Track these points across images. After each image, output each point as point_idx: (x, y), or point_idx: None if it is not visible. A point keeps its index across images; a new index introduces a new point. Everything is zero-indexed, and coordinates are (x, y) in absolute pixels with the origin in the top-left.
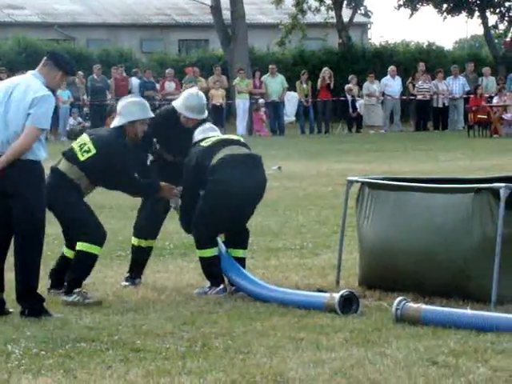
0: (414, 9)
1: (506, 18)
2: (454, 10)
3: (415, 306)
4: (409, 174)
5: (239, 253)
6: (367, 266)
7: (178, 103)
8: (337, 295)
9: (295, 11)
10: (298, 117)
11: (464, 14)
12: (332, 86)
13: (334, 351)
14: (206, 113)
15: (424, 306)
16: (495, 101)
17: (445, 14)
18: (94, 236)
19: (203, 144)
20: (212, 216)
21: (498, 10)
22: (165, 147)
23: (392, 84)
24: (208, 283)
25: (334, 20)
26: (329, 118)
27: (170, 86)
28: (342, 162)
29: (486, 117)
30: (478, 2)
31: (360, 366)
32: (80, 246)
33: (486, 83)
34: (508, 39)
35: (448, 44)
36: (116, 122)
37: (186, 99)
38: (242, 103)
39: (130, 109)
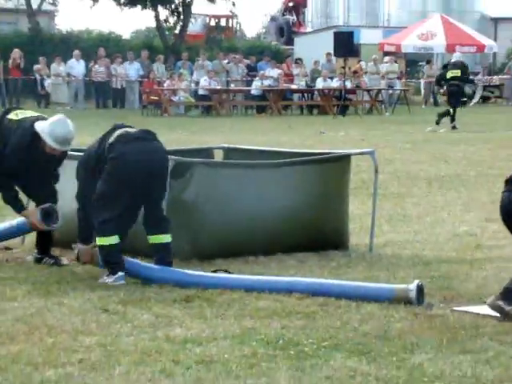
0: (95, 0)
1: (176, 13)
2: (130, 3)
3: None
4: None
5: (165, 238)
6: None
7: (43, 130)
8: None
9: None
10: None
11: (139, 7)
12: (22, 65)
13: (17, 301)
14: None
15: None
16: (166, 84)
17: (122, 6)
18: None
19: (97, 138)
20: (112, 196)
21: (168, 6)
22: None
23: (76, 66)
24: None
25: (25, 6)
26: (19, 94)
27: None
28: None
29: (157, 98)
30: None
31: (40, 314)
32: None
33: (158, 69)
34: (177, 32)
35: (126, 33)
36: None
37: (55, 127)
38: None
39: None
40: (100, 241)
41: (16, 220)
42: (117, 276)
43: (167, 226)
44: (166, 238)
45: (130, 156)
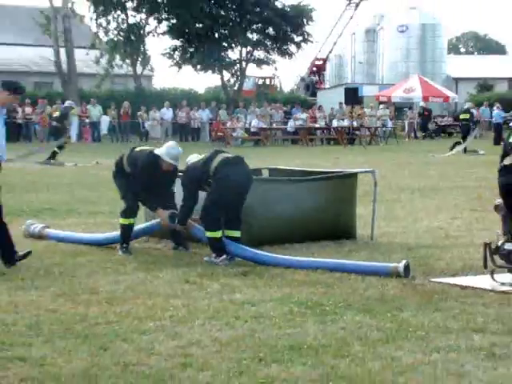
0: (180, 67)
1: (235, 76)
2: (203, 69)
3: None
4: None
5: (237, 233)
6: None
7: (162, 153)
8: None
9: (107, 66)
10: (109, 131)
11: (210, 71)
12: (130, 112)
13: (127, 275)
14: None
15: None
16: (228, 125)
17: (198, 71)
18: None
19: (199, 159)
20: (220, 205)
21: (230, 70)
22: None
23: (167, 113)
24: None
25: (132, 72)
26: (128, 132)
27: (27, 109)
28: None
29: (222, 134)
30: (218, 65)
31: (143, 284)
32: None
33: (223, 114)
34: (235, 88)
35: (201, 89)
36: None
37: (170, 149)
38: (74, 121)
39: None
40: (211, 234)
41: (146, 223)
42: (222, 258)
43: (240, 225)
44: (238, 233)
45: (232, 177)
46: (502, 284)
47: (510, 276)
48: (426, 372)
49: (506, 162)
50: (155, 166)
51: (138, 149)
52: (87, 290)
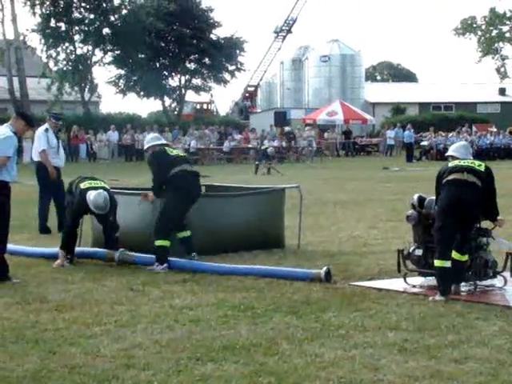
0: (124, 94)
1: (175, 101)
2: (146, 95)
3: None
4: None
5: (187, 233)
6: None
7: (89, 200)
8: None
9: (57, 93)
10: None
11: (152, 98)
12: (79, 136)
13: (75, 284)
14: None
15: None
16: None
17: (142, 97)
18: None
19: (167, 153)
20: (172, 214)
21: (170, 97)
22: None
23: (113, 135)
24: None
25: (80, 99)
26: (77, 154)
27: None
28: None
29: None
30: (159, 92)
31: (89, 292)
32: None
33: (165, 136)
34: (176, 112)
35: (144, 114)
36: None
37: (94, 199)
38: (28, 144)
39: None
40: (160, 242)
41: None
42: (164, 266)
43: (186, 226)
44: (188, 233)
45: (186, 190)
46: (414, 286)
47: (420, 279)
48: (345, 366)
49: (450, 177)
50: (85, 205)
51: (82, 184)
52: (38, 299)
